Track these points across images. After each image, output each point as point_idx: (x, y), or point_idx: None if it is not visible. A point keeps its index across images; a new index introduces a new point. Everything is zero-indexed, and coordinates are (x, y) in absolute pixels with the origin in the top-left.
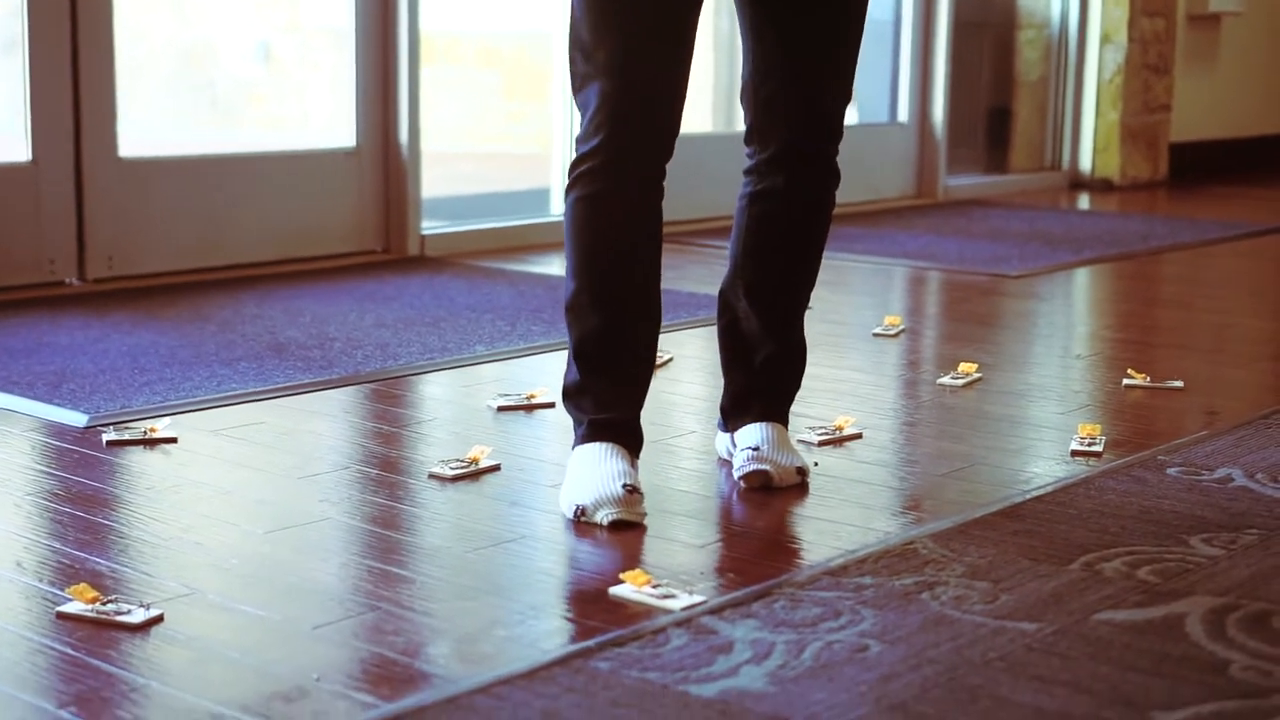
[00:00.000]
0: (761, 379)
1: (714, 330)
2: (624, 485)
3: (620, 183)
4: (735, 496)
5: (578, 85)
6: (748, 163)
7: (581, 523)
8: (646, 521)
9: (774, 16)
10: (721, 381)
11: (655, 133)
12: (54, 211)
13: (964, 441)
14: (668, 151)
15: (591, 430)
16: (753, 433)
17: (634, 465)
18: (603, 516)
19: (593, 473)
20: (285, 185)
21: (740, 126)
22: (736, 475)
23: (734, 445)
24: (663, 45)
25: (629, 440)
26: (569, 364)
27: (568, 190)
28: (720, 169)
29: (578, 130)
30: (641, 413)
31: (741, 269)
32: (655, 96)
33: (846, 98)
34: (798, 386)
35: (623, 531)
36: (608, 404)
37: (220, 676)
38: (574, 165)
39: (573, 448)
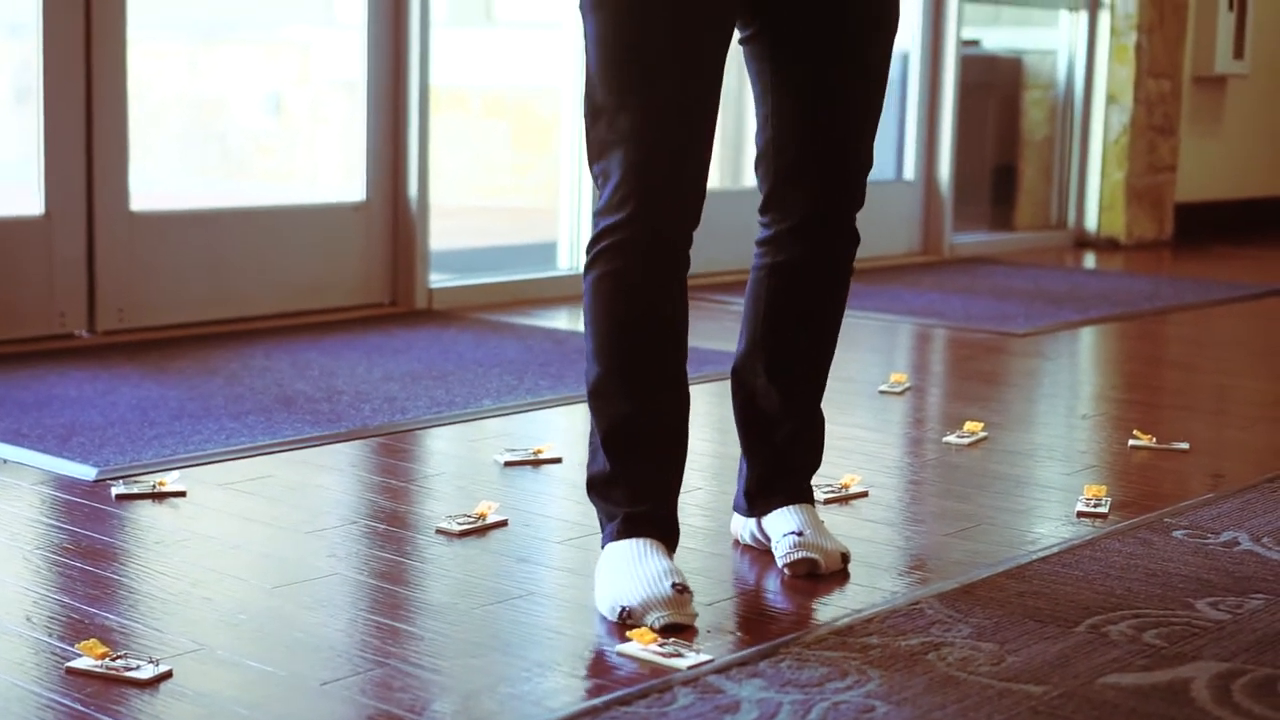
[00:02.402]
0: (788, 459)
1: (721, 386)
2: (673, 584)
3: (650, 259)
4: (740, 555)
5: (597, 153)
6: (763, 232)
7: (627, 624)
8: None
9: (797, 80)
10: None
11: (687, 203)
12: (65, 264)
13: (969, 501)
14: (698, 219)
15: (627, 525)
16: (788, 518)
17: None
18: (654, 620)
19: (635, 571)
20: (294, 238)
21: (747, 181)
22: (782, 563)
23: (760, 530)
24: (692, 105)
25: (667, 534)
26: (595, 453)
27: (589, 267)
28: (728, 224)
29: (598, 200)
30: (678, 503)
31: (761, 344)
32: (685, 164)
33: (870, 162)
34: (820, 463)
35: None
36: (642, 496)
37: None
38: (596, 239)
39: (603, 545)
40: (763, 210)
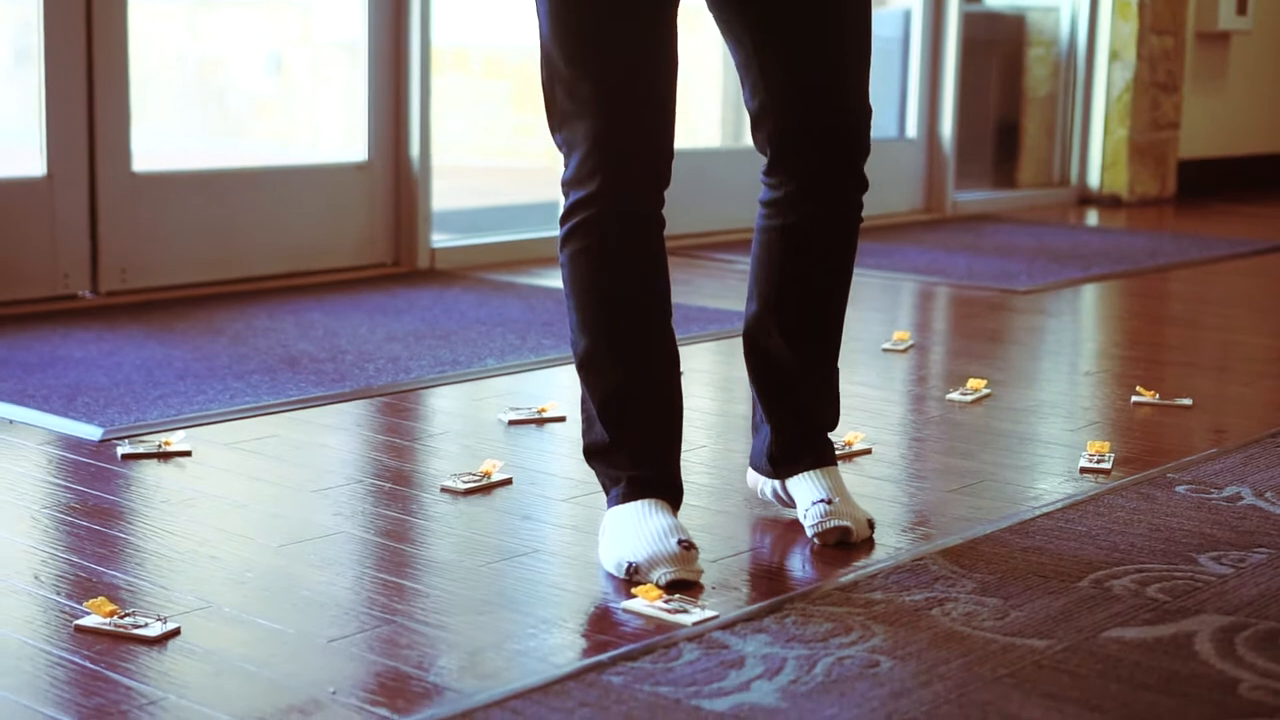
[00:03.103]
0: (810, 419)
1: (722, 345)
2: (679, 541)
3: (624, 228)
4: (746, 511)
5: (558, 123)
6: (769, 193)
7: (634, 581)
8: None
9: (778, 40)
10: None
11: (655, 168)
12: (68, 225)
13: (973, 458)
14: (668, 180)
15: (630, 488)
16: (816, 485)
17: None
18: (659, 576)
19: (640, 529)
20: (297, 199)
21: (747, 140)
22: (812, 531)
23: (784, 490)
24: (650, 67)
25: (671, 495)
26: (590, 422)
27: (563, 241)
28: (729, 182)
29: (565, 170)
30: (680, 463)
31: (773, 305)
32: (650, 128)
33: (870, 110)
34: (838, 419)
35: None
36: (644, 460)
37: (236, 690)
38: (567, 214)
39: (608, 507)
40: (767, 172)
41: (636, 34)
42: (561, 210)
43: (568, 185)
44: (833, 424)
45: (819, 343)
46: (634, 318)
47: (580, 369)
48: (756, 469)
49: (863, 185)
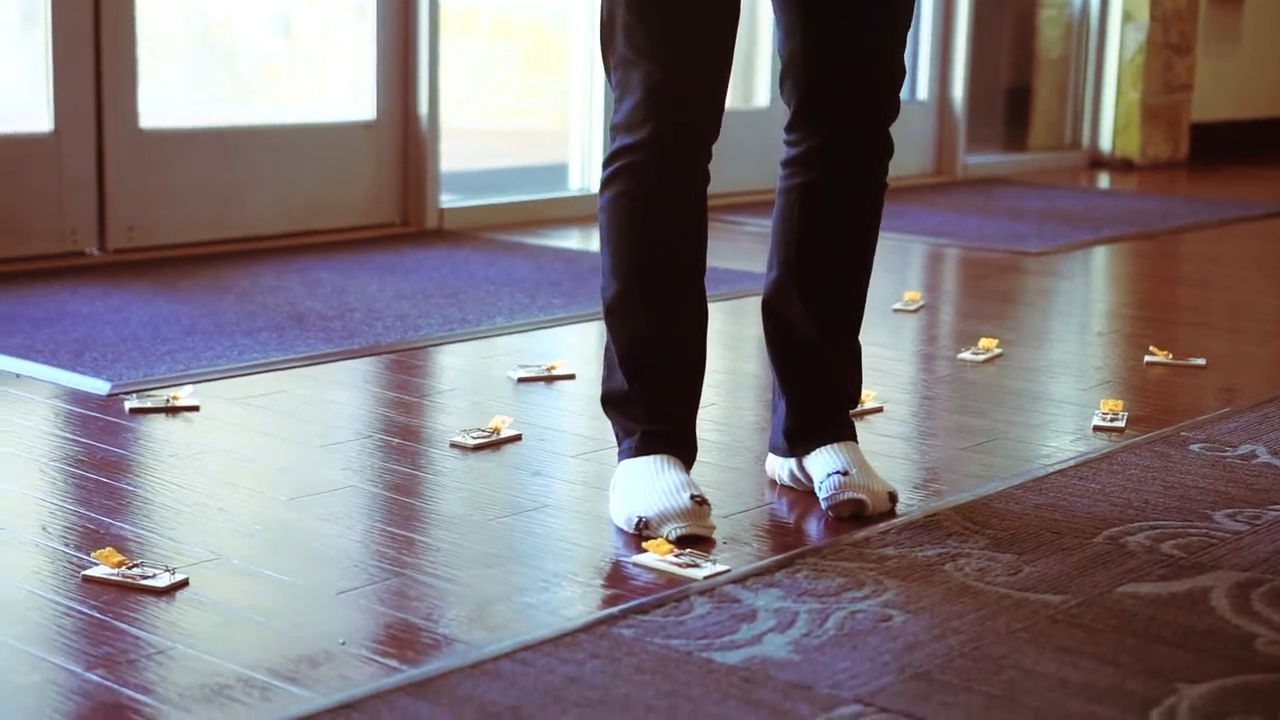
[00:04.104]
0: (828, 393)
1: (734, 305)
2: (691, 496)
3: (669, 177)
4: (756, 468)
5: (613, 66)
6: (790, 151)
7: (644, 535)
8: None
9: None
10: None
11: (706, 120)
12: (75, 182)
13: (985, 416)
14: (717, 134)
15: (644, 442)
16: (832, 457)
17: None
18: (670, 531)
19: (652, 484)
20: (305, 158)
21: (759, 101)
22: (826, 504)
23: (801, 470)
24: (711, 20)
25: (685, 452)
26: (611, 369)
27: (605, 184)
28: (741, 144)
29: (615, 114)
30: (696, 421)
31: (795, 270)
32: (706, 81)
33: (904, 72)
34: (860, 395)
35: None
36: (661, 414)
37: (246, 640)
38: (613, 157)
39: (620, 460)
40: (790, 128)
41: None
42: (606, 153)
43: (617, 129)
44: (853, 401)
45: (841, 311)
46: (668, 268)
47: (607, 314)
48: (774, 450)
49: (888, 148)
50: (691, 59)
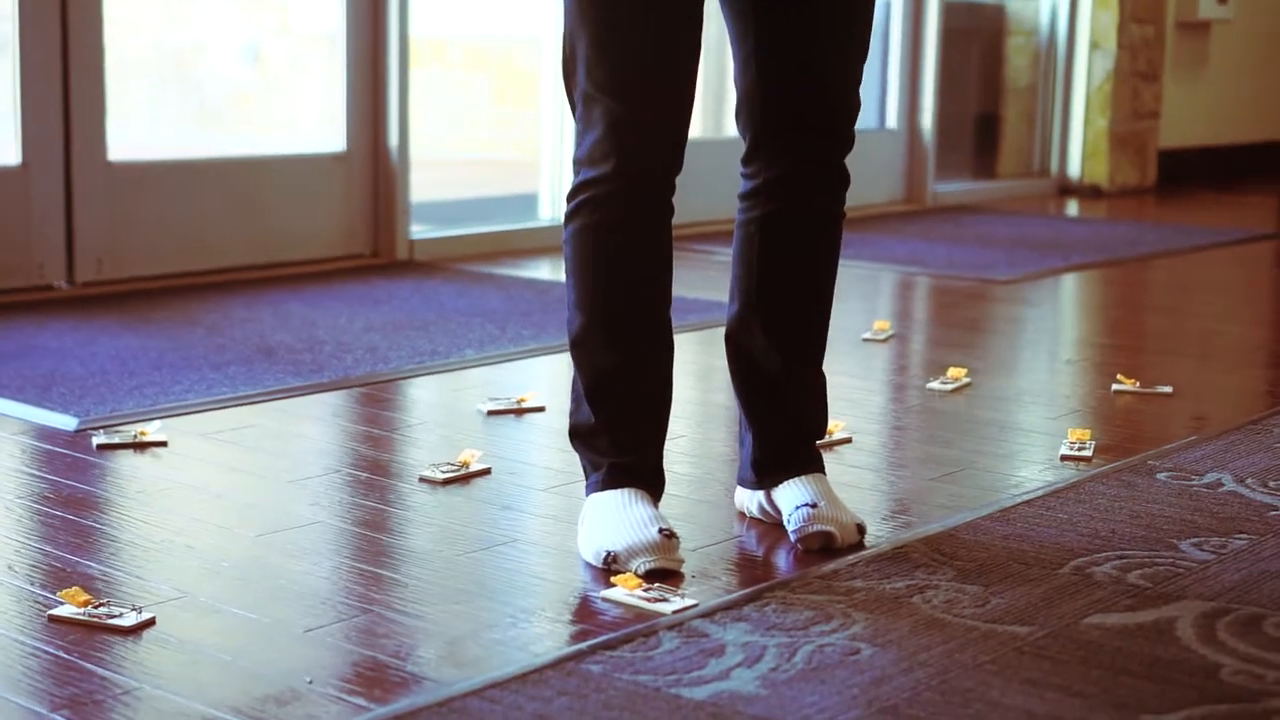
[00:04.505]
0: (794, 425)
1: (703, 335)
2: (659, 529)
3: (631, 211)
4: (725, 500)
5: (576, 102)
6: (747, 184)
7: (612, 569)
8: None
9: (781, 20)
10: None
11: (668, 155)
12: (43, 215)
13: (953, 446)
14: (679, 167)
15: (611, 475)
16: (801, 489)
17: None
18: (638, 565)
19: (620, 518)
20: (275, 189)
21: (728, 131)
22: (794, 536)
23: (770, 503)
24: (672, 54)
25: (652, 485)
26: (578, 402)
27: (569, 217)
28: (709, 173)
29: (576, 149)
30: (663, 453)
31: (756, 303)
32: (667, 116)
33: (859, 105)
34: (826, 426)
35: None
36: (628, 447)
37: (212, 679)
38: (576, 190)
39: (587, 494)
40: (747, 160)
41: (661, 21)
42: (570, 186)
43: (579, 163)
44: (820, 431)
45: (804, 343)
46: (632, 301)
47: (573, 347)
48: (742, 483)
49: (844, 179)
50: (652, 95)
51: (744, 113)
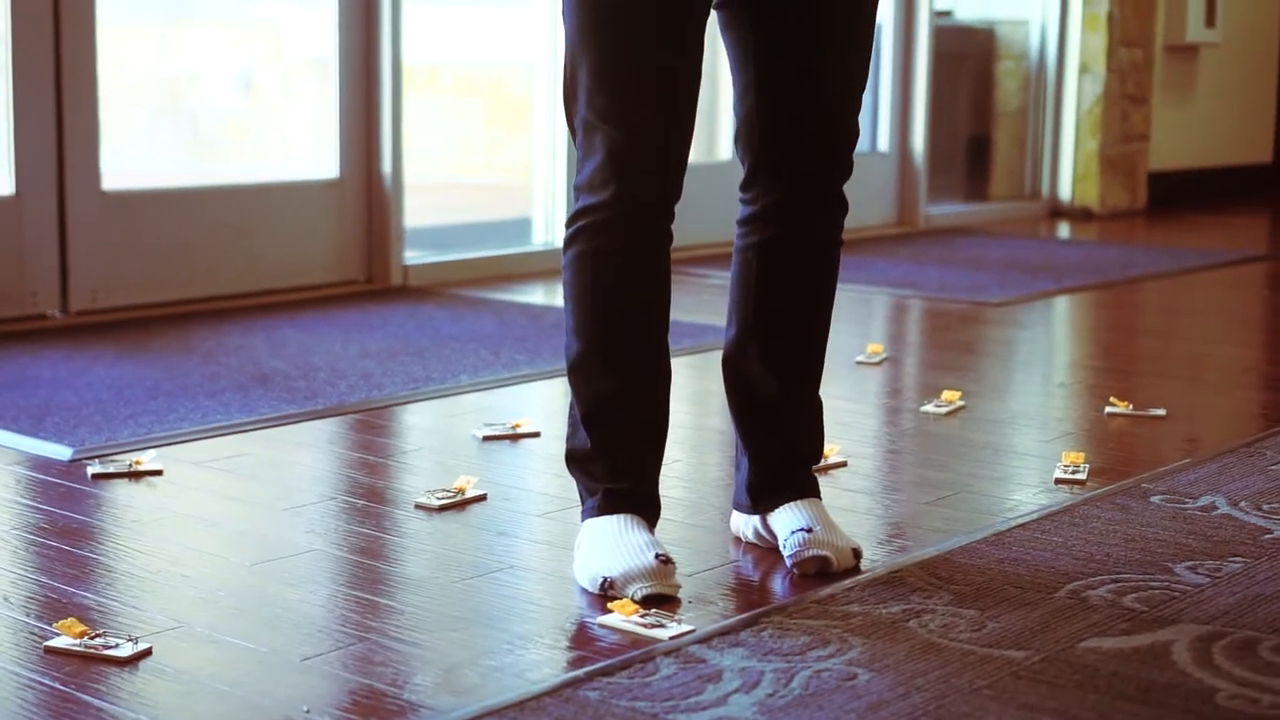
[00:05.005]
0: (790, 450)
1: (698, 359)
2: (656, 555)
3: (631, 237)
4: (721, 525)
5: (577, 129)
6: (745, 210)
7: (609, 595)
8: None
9: (781, 48)
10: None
11: (669, 182)
12: (37, 244)
13: (948, 469)
14: (679, 194)
15: (608, 501)
16: (797, 513)
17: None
18: (635, 591)
19: (616, 544)
20: (268, 217)
21: (722, 155)
22: (790, 561)
23: (765, 527)
24: (673, 82)
25: (648, 511)
26: (575, 428)
27: (568, 242)
28: (704, 198)
29: (578, 173)
30: (659, 479)
31: (753, 329)
32: (667, 143)
33: (857, 133)
34: (822, 451)
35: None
36: (625, 472)
37: (209, 709)
38: (575, 216)
39: (583, 519)
40: (745, 185)
41: (663, 48)
42: (570, 212)
43: (580, 190)
44: (816, 456)
45: (801, 368)
46: (630, 328)
47: (570, 373)
48: (737, 507)
49: (842, 206)
50: (653, 123)
51: (743, 138)
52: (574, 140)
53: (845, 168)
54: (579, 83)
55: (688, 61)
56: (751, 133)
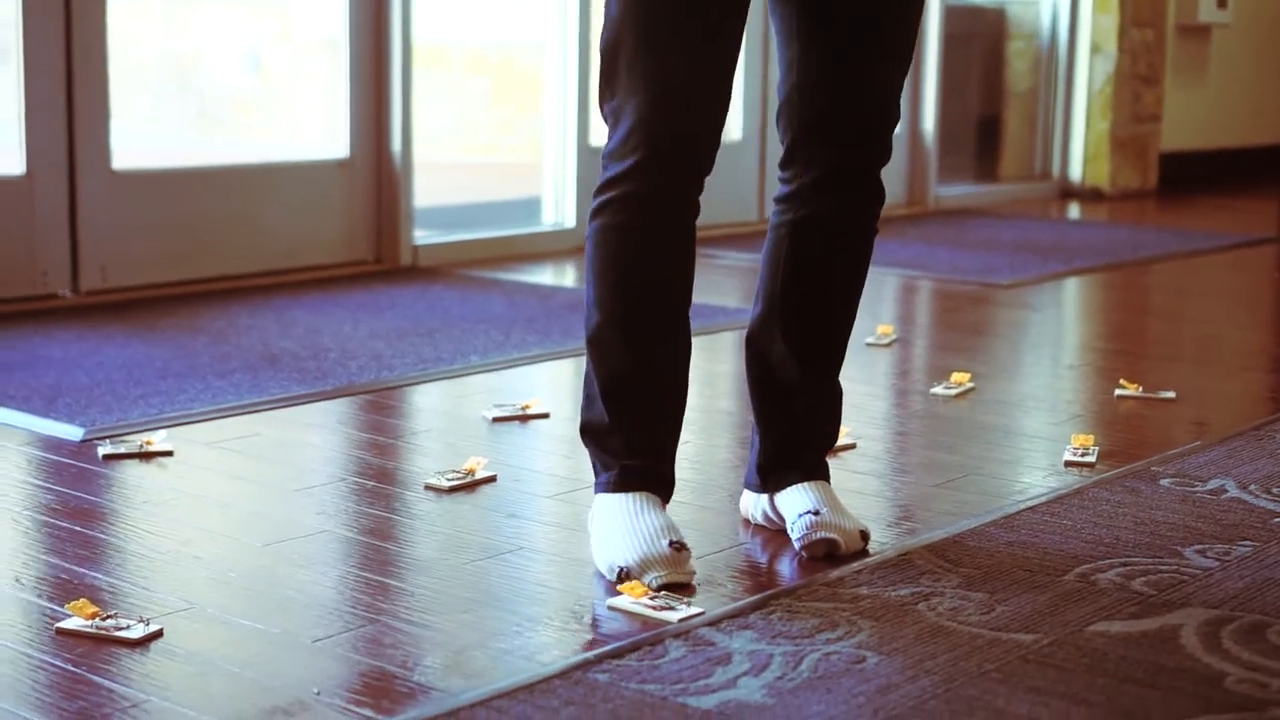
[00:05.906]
0: (804, 432)
1: (711, 340)
2: (670, 542)
3: (657, 210)
4: (730, 507)
5: (609, 93)
6: (784, 189)
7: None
8: None
9: (827, 27)
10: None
11: (700, 156)
12: (47, 224)
13: (957, 452)
14: (710, 168)
15: (622, 478)
16: (803, 496)
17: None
18: (651, 580)
19: (631, 528)
20: (278, 196)
21: (734, 134)
22: (799, 544)
23: (773, 508)
24: (715, 57)
25: (663, 489)
26: (591, 400)
27: (594, 213)
28: (719, 177)
29: (608, 142)
30: (675, 455)
31: (779, 308)
32: (702, 117)
33: (898, 116)
34: (837, 437)
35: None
36: (641, 448)
37: (220, 691)
38: (603, 187)
39: (596, 492)
40: (784, 163)
41: (707, 23)
42: (597, 183)
43: (608, 158)
44: (829, 442)
45: (822, 352)
46: (652, 303)
47: (589, 344)
48: (748, 485)
49: (879, 194)
50: (689, 95)
51: (784, 115)
52: (603, 111)
53: (884, 150)
54: (621, 50)
55: (731, 37)
56: (792, 110)
